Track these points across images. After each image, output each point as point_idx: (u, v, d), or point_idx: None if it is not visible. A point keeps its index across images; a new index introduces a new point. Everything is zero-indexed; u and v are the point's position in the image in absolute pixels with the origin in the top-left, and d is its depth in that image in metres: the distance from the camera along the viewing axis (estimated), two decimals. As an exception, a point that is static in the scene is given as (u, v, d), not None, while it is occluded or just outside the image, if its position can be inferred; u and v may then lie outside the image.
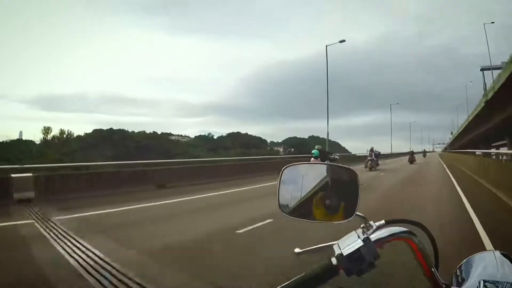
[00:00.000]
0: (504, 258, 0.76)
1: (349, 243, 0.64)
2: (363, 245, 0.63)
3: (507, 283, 0.65)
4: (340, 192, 0.74)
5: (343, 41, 24.65)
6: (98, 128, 51.49)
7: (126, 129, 51.43)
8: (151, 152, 41.50)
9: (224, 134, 68.10)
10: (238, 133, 66.30)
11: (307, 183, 0.76)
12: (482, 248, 3.62)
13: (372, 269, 0.63)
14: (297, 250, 0.77)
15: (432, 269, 0.66)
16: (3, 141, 45.05)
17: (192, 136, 68.52)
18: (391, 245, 0.66)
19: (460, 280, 0.76)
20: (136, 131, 60.56)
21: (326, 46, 24.74)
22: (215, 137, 66.87)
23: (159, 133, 62.30)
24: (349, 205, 0.70)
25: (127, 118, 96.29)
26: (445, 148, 76.58)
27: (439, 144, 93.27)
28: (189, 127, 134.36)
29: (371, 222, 0.67)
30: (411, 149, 27.68)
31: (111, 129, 47.96)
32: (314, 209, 0.74)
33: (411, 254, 0.67)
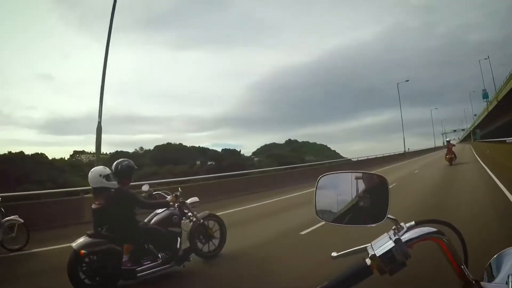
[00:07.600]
0: None
1: (382, 244, 0.69)
2: (394, 246, 0.68)
3: None
4: (372, 197, 0.79)
5: (407, 80, 34.98)
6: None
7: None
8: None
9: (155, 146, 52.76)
10: (169, 144, 52.95)
11: (341, 190, 0.82)
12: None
13: (403, 268, 0.68)
14: (334, 254, 0.81)
15: (462, 266, 0.69)
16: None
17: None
18: (422, 245, 0.71)
19: (491, 275, 0.78)
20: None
21: (397, 84, 32.73)
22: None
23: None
24: (381, 209, 0.75)
25: (138, 136, 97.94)
26: (466, 138, 64.97)
27: (455, 130, 76.72)
28: (202, 141, 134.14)
29: (402, 224, 0.72)
30: (447, 139, 20.64)
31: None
32: (348, 214, 0.80)
33: (441, 253, 0.70)
